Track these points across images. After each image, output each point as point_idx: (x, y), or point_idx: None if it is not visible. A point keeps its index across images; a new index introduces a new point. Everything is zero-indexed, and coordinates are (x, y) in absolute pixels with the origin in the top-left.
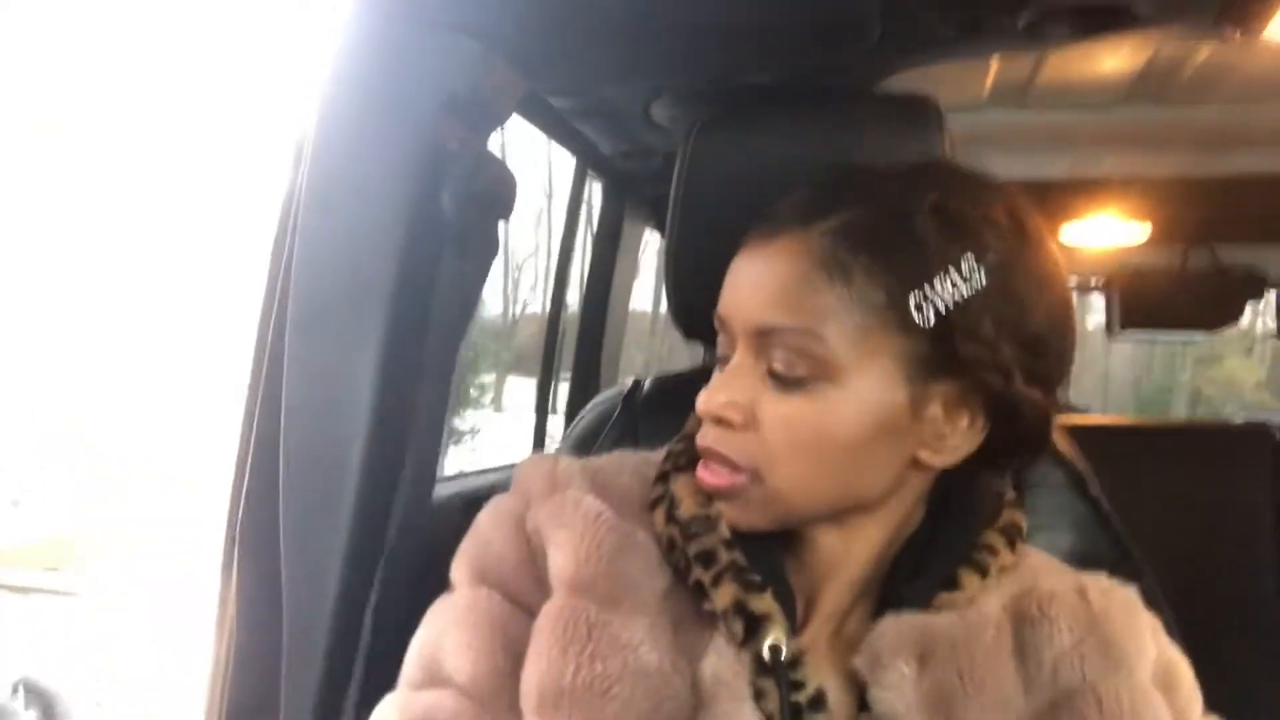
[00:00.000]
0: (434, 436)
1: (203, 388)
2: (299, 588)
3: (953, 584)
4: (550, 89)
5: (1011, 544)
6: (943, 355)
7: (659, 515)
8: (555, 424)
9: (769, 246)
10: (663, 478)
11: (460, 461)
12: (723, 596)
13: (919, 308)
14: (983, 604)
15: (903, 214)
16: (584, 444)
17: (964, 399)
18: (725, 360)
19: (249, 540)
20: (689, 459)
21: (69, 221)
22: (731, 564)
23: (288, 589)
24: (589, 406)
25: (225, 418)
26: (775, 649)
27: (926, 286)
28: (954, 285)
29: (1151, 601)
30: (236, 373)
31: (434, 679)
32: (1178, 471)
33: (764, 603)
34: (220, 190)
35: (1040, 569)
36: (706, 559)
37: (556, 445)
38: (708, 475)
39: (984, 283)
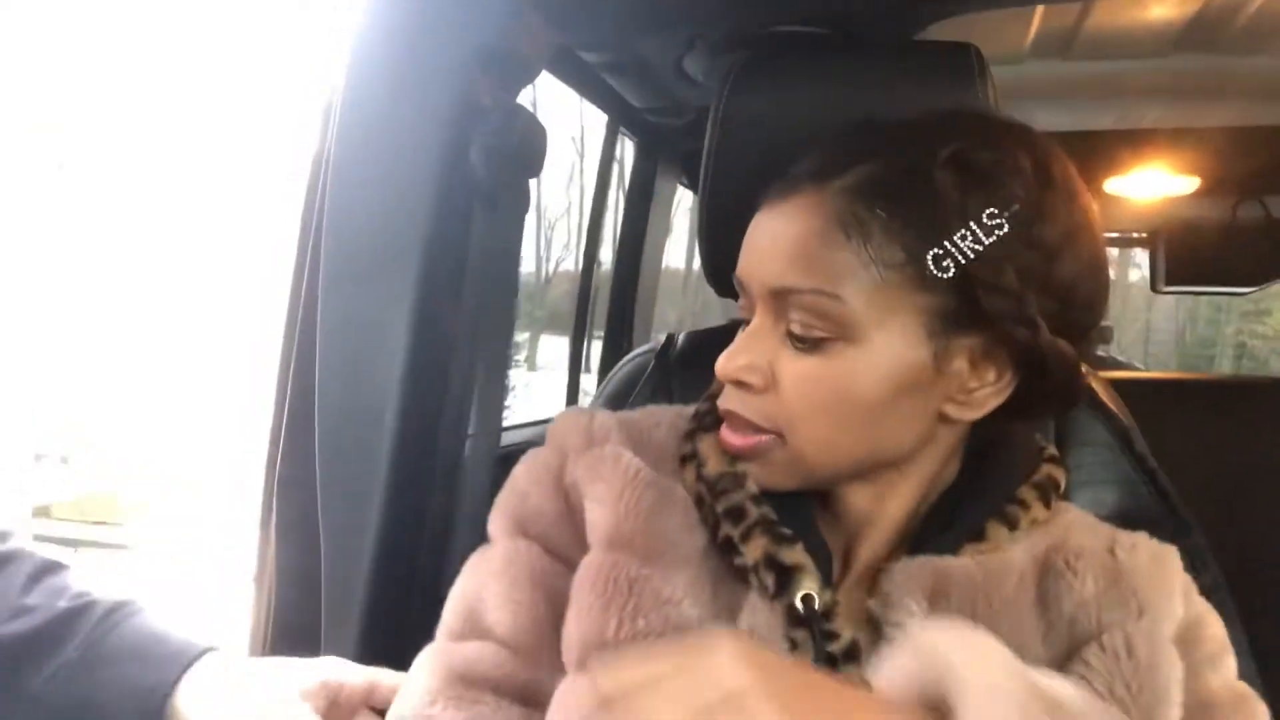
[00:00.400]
0: (467, 392)
1: (205, 390)
2: (335, 542)
3: (980, 536)
4: (582, 43)
5: (1046, 500)
6: (966, 309)
7: (689, 473)
8: (588, 382)
9: (785, 206)
10: (690, 436)
11: None
12: (753, 551)
13: (938, 262)
14: (1008, 553)
15: (921, 166)
16: (618, 399)
17: (990, 352)
18: (746, 323)
19: (286, 495)
20: (714, 419)
21: (68, 222)
22: (761, 518)
23: (325, 543)
24: (622, 362)
25: (225, 421)
26: (808, 600)
27: (946, 241)
28: (974, 238)
29: (1197, 560)
30: (236, 376)
31: (474, 630)
32: (1222, 427)
33: (795, 555)
34: (228, 192)
35: (1074, 525)
36: (735, 515)
37: (590, 401)
38: (731, 437)
39: (1006, 233)
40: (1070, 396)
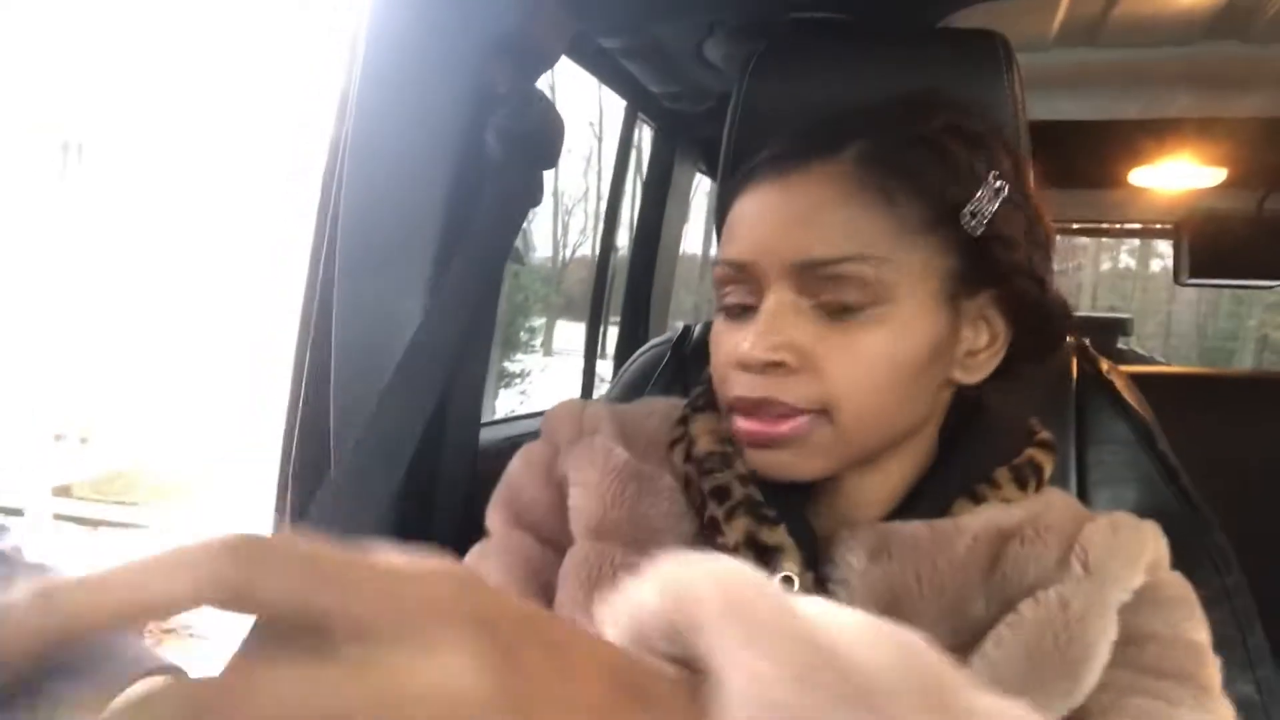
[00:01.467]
0: (479, 376)
1: (224, 372)
2: (348, 530)
3: (945, 513)
4: (601, 29)
5: (1021, 483)
6: (974, 270)
7: (678, 454)
8: (604, 367)
9: (793, 179)
10: (683, 420)
11: (511, 403)
12: (734, 531)
13: (967, 221)
14: (964, 520)
15: (928, 134)
16: (633, 390)
17: (985, 313)
18: (744, 308)
19: (301, 481)
20: (707, 401)
21: (82, 206)
22: (746, 499)
23: (338, 531)
24: (638, 353)
25: (244, 404)
26: (787, 582)
27: (971, 201)
28: (989, 197)
29: (1220, 561)
30: (256, 359)
31: None
32: (1246, 425)
33: (776, 535)
34: (243, 179)
35: (1056, 506)
36: (721, 494)
37: (606, 387)
38: (762, 426)
39: (1007, 192)
40: (1058, 345)
